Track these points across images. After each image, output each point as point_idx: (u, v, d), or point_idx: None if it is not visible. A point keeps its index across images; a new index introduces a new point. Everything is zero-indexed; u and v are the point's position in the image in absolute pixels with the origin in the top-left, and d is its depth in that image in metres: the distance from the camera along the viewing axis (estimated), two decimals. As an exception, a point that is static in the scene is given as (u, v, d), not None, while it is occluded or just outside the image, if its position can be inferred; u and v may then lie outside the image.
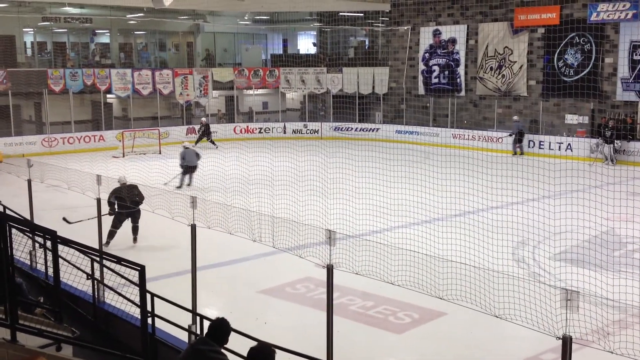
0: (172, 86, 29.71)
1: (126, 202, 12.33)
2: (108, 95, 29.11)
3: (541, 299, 7.95)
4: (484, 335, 8.62)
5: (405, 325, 8.95)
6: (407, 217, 13.73)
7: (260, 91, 33.51)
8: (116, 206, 12.60)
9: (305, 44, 37.83)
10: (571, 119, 25.06)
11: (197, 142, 26.71)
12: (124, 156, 24.88)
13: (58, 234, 6.29)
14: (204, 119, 28.62)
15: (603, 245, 11.61)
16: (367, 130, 30.66)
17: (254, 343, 5.37)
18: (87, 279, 7.32)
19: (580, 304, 5.60)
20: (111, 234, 12.59)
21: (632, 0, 22.88)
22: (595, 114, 24.44)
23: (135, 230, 12.96)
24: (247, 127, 31.10)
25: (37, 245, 8.95)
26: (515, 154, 24.52)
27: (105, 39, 33.99)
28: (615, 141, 22.50)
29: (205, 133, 27.71)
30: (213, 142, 27.27)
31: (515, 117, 25.88)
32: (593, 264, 10.44)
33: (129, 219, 12.83)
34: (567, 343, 4.97)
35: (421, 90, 30.34)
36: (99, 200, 9.51)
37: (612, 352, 7.53)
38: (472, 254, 10.28)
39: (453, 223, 13.07)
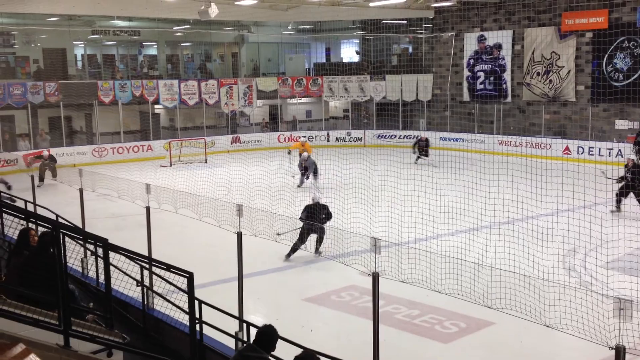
0: (218, 96, 30.13)
1: (315, 220, 12.45)
2: (156, 106, 29.70)
3: (593, 308, 7.75)
4: (534, 345, 8.44)
5: (452, 334, 8.84)
6: (454, 225, 13.58)
7: (303, 100, 33.71)
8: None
9: (349, 52, 37.91)
10: (621, 124, 24.41)
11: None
12: (171, 165, 25.32)
13: (109, 241, 6.44)
14: (423, 134, 26.03)
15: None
16: (411, 137, 30.47)
17: (300, 351, 5.39)
18: (137, 285, 7.45)
19: (633, 313, 5.46)
20: (294, 249, 12.34)
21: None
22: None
23: (319, 240, 12.75)
24: (291, 135, 31.27)
25: (88, 252, 9.16)
26: None
27: (152, 51, 34.71)
28: None
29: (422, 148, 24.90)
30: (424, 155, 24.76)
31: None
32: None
33: (315, 234, 12.68)
34: (620, 353, 4.83)
35: (466, 96, 30.02)
36: (148, 209, 9.68)
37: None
38: (521, 262, 10.10)
39: (501, 231, 12.87)
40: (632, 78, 23.94)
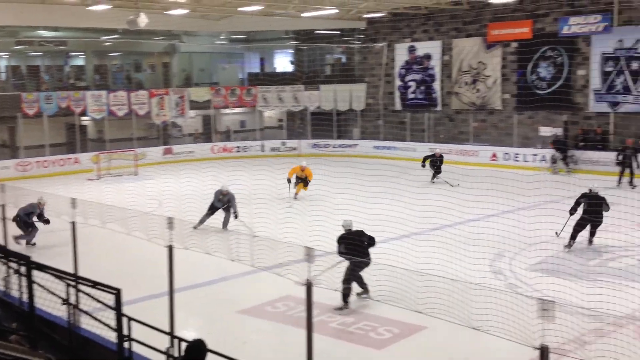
0: (148, 107, 29.60)
1: (359, 251, 10.28)
2: (83, 118, 28.92)
3: (519, 310, 8.01)
4: (464, 348, 8.64)
5: (385, 340, 8.94)
6: (386, 232, 13.75)
7: (237, 110, 33.52)
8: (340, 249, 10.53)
9: (282, 62, 38.01)
10: (545, 131, 25.39)
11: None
12: (99, 178, 24.67)
13: (34, 258, 6.22)
14: (438, 150, 23.24)
15: (578, 254, 11.75)
16: (345, 146, 30.78)
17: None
18: (63, 304, 7.21)
19: (556, 313, 5.65)
20: (345, 295, 10.20)
21: (603, 13, 23.35)
22: (569, 126, 24.79)
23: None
24: (225, 146, 31.04)
25: (11, 270, 8.81)
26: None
27: (79, 61, 33.84)
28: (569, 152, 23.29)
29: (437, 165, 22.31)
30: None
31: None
32: (569, 273, 10.54)
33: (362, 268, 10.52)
34: (544, 353, 4.99)
35: (398, 106, 30.57)
36: (73, 224, 9.40)
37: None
38: (451, 267, 10.34)
39: (431, 237, 13.13)
40: (555, 86, 24.95)
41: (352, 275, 10.24)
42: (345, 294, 10.12)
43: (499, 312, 8.51)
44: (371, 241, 10.64)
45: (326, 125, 31.13)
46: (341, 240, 10.49)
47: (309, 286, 6.58)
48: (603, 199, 12.93)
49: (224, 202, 15.06)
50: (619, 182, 19.98)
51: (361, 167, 19.63)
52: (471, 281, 9.57)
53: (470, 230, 13.75)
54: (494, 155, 25.68)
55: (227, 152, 30.70)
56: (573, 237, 12.83)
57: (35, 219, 13.76)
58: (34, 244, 13.97)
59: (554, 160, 23.52)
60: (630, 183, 19.74)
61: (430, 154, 22.60)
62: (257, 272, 11.82)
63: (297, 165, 19.21)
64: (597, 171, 21.88)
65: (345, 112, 31.91)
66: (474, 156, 26.17)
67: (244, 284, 11.91)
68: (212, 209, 15.23)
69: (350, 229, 10.75)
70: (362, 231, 10.85)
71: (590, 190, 13.15)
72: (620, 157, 20.20)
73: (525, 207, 15.40)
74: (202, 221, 14.95)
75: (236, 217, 14.90)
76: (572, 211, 12.98)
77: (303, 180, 18.83)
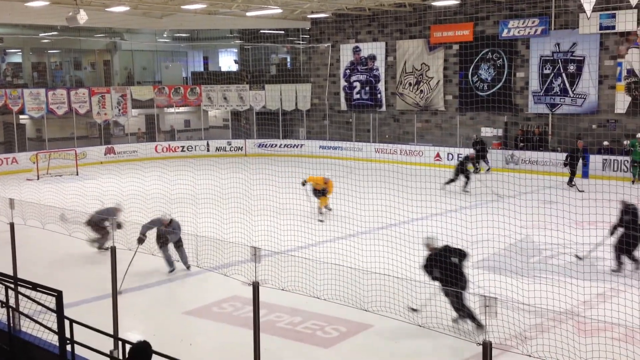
0: (89, 105, 28.88)
1: (451, 273, 8.95)
2: (21, 116, 28.00)
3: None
4: (410, 345, 8.77)
5: (332, 339, 8.99)
6: (332, 232, 13.84)
7: (181, 109, 33.07)
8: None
9: (227, 62, 37.72)
10: (486, 131, 26.01)
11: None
12: (38, 178, 23.94)
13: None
14: (471, 152, 22.06)
15: (520, 252, 12.08)
16: (291, 146, 30.77)
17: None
18: (2, 307, 6.98)
19: (499, 310, 5.79)
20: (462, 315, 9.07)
21: (541, 16, 24.09)
22: (509, 127, 25.47)
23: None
24: (169, 145, 30.59)
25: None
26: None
27: (17, 59, 32.76)
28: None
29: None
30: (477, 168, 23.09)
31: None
32: (511, 270, 10.83)
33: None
34: (487, 349, 5.11)
35: (343, 106, 30.77)
36: (12, 225, 9.11)
37: (530, 356, 7.81)
38: (396, 265, 10.46)
39: (377, 236, 13.27)
40: (496, 88, 25.59)
41: (459, 301, 8.89)
42: (470, 317, 8.84)
43: (444, 309, 8.68)
44: (462, 256, 9.18)
45: (272, 125, 31.06)
46: (431, 262, 9.02)
47: (255, 286, 6.56)
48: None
49: (168, 233, 11.96)
50: (571, 182, 20.22)
51: (307, 167, 19.70)
52: (416, 279, 9.72)
53: (415, 229, 13.95)
54: (438, 155, 26.15)
55: (172, 151, 30.26)
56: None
57: (107, 223, 12.60)
58: (107, 248, 12.88)
59: (474, 161, 23.84)
60: (570, 182, 20.29)
61: (465, 156, 20.89)
62: (203, 273, 11.70)
63: (320, 176, 16.79)
64: (537, 171, 22.55)
65: (291, 112, 31.91)
66: (418, 156, 26.58)
67: (190, 284, 11.78)
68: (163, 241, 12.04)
69: (435, 247, 9.28)
70: (448, 246, 9.42)
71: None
72: (567, 159, 20.46)
73: (468, 206, 15.74)
74: (170, 263, 12.15)
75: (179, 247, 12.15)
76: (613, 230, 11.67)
77: (322, 193, 16.72)
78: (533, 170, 22.72)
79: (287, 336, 9.12)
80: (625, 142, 22.20)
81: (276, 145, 30.86)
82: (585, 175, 21.79)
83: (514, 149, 24.59)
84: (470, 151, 21.86)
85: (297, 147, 30.58)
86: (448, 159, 25.50)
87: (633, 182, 20.57)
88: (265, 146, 30.92)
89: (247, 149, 30.94)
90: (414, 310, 8.71)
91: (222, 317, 9.98)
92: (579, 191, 18.71)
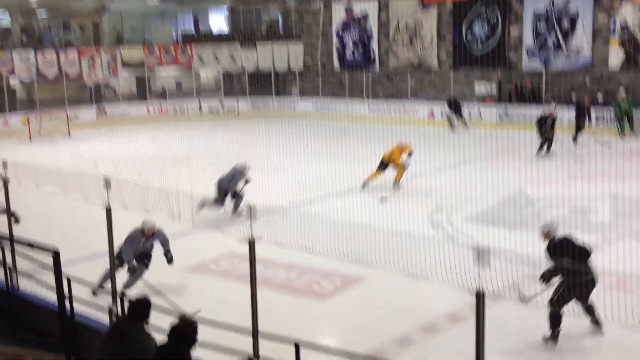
0: (79, 67, 28.55)
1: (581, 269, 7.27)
2: (11, 81, 27.70)
3: (457, 258, 8.27)
4: (405, 296, 8.89)
5: (328, 293, 9.10)
6: (328, 189, 13.88)
7: (173, 71, 32.74)
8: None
9: (218, 22, 37.19)
10: (480, 88, 25.91)
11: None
12: (30, 140, 23.82)
13: None
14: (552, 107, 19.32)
15: (515, 205, 12.17)
16: (284, 107, 30.62)
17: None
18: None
19: (492, 260, 5.86)
20: (557, 320, 7.42)
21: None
22: (503, 83, 25.37)
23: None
24: (161, 107, 30.38)
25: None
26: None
27: (5, 21, 32.24)
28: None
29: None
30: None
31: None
32: (504, 223, 10.92)
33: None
34: (480, 298, 5.17)
35: (336, 65, 30.52)
36: (5, 185, 9.09)
37: (522, 303, 7.93)
38: (392, 221, 10.54)
39: (372, 193, 13.32)
40: (490, 45, 25.39)
41: (568, 296, 7.30)
42: (555, 323, 7.29)
43: (439, 261, 8.77)
44: (586, 254, 7.36)
45: (265, 85, 30.83)
46: (557, 247, 7.44)
47: (251, 243, 6.60)
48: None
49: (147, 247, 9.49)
50: (575, 137, 19.43)
51: (301, 127, 19.70)
52: (411, 233, 9.81)
53: (412, 185, 14.02)
54: (432, 113, 26.08)
55: (163, 113, 30.06)
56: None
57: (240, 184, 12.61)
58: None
59: (449, 119, 23.97)
60: (575, 138, 19.75)
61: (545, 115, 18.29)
62: (200, 231, 11.77)
63: (394, 146, 14.35)
64: (531, 125, 22.54)
65: (283, 72, 31.64)
66: (412, 114, 26.50)
67: (187, 242, 11.83)
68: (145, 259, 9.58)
69: (554, 236, 7.68)
70: (569, 238, 7.63)
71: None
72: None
73: (462, 162, 15.77)
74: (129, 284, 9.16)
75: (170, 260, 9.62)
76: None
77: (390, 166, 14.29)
78: (526, 125, 22.71)
79: (284, 291, 9.22)
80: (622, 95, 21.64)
81: (269, 106, 30.69)
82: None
83: (507, 104, 24.52)
84: (548, 109, 18.66)
85: (290, 107, 30.43)
86: (442, 117, 25.43)
87: (620, 135, 20.56)
88: (258, 107, 30.74)
89: (240, 110, 30.75)
90: (526, 299, 7.74)
91: (220, 273, 10.08)
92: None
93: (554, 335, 7.28)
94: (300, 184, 14.01)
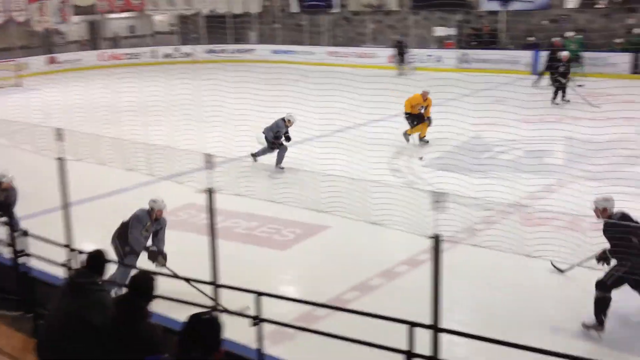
0: (28, 13, 27.38)
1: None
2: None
3: (415, 203, 8.36)
4: (365, 243, 8.97)
5: (289, 241, 9.12)
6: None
7: (125, 15, 31.67)
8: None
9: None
10: (439, 31, 25.77)
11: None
12: (-22, 92, 22.97)
13: None
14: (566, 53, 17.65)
15: (472, 149, 12.28)
16: (242, 51, 30.04)
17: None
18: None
19: (449, 204, 5.91)
20: (603, 305, 6.34)
21: None
22: (463, 25, 25.26)
23: None
24: (114, 53, 29.49)
25: None
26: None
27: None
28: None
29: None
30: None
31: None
32: (463, 167, 11.03)
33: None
34: (436, 242, 5.23)
35: (295, 8, 29.92)
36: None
37: (478, 246, 8.08)
38: (352, 167, 10.54)
39: (332, 139, 13.26)
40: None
41: (627, 281, 6.36)
42: (602, 308, 6.36)
43: (397, 207, 8.86)
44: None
45: (221, 29, 30.11)
46: (617, 231, 6.36)
47: (210, 193, 6.52)
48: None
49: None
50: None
51: (259, 72, 19.34)
52: (371, 179, 9.84)
53: (371, 130, 14.00)
54: (392, 57, 25.91)
55: (117, 59, 29.21)
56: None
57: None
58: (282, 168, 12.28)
59: (398, 62, 24.19)
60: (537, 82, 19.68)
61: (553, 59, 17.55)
62: (157, 182, 11.60)
63: (416, 94, 13.76)
64: (489, 69, 22.64)
65: (241, 15, 30.89)
66: (372, 58, 26.29)
67: (144, 194, 11.66)
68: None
69: (612, 213, 6.58)
70: (627, 215, 6.57)
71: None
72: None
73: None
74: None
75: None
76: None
77: (419, 118, 13.65)
78: (486, 69, 22.80)
79: (245, 241, 9.21)
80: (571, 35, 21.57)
81: (226, 51, 30.06)
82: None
83: (466, 48, 24.50)
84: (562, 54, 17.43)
85: (248, 52, 29.89)
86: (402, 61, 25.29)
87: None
88: (215, 52, 30.07)
89: (196, 54, 30.06)
90: (560, 269, 7.62)
91: (178, 224, 9.97)
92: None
93: (600, 322, 6.33)
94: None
